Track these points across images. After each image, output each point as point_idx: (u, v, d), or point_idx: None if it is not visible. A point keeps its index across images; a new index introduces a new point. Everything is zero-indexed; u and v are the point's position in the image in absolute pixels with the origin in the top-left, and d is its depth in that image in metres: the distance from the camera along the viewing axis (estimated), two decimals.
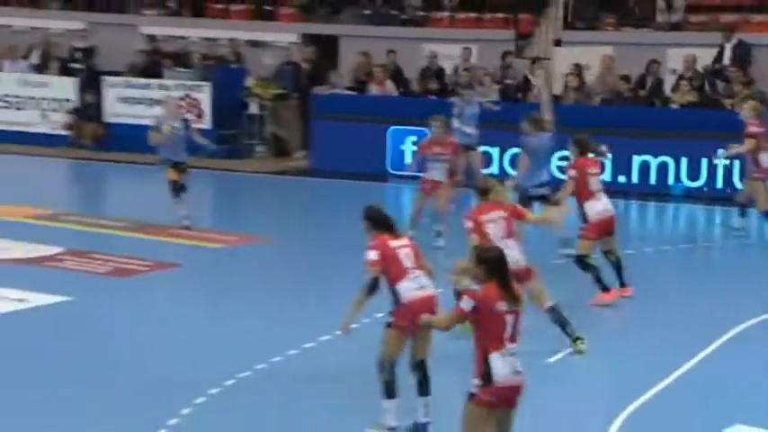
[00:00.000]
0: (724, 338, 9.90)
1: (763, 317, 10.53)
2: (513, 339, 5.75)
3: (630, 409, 8.18)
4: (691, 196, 16.26)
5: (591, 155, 11.12)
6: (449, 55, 20.18)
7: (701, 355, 9.56)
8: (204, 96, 20.27)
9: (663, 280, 12.44)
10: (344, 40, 21.66)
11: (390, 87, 19.25)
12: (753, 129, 13.50)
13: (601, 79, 18.58)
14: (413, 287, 6.83)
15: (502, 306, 5.66)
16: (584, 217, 10.53)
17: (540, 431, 7.56)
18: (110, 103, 21.07)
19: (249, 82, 20.77)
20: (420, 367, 6.98)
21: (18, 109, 21.85)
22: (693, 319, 10.62)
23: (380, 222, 7.08)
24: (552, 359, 9.26)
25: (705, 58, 18.19)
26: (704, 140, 15.51)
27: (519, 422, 6.33)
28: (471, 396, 5.65)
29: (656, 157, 17.00)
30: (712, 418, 8.02)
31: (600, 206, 10.46)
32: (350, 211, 10.29)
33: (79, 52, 22.26)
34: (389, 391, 6.86)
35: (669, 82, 18.37)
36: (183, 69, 21.66)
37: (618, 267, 10.72)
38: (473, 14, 21.92)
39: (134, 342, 9.80)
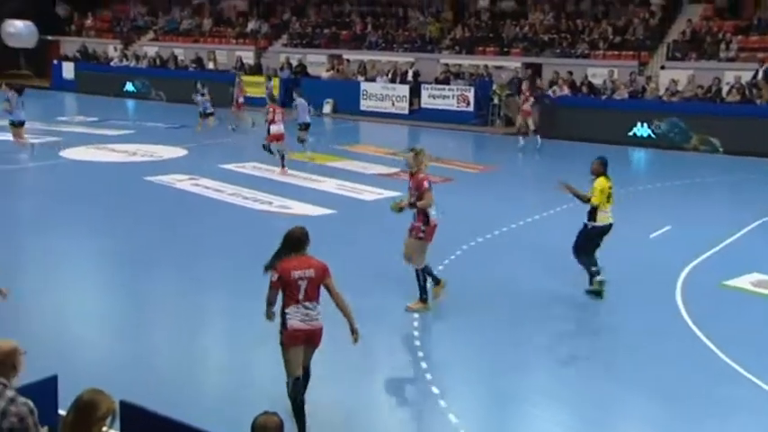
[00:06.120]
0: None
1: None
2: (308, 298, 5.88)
3: (695, 261, 11.07)
4: None
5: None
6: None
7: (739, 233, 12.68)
8: (470, 94, 26.77)
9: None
10: (545, 66, 27.65)
11: (566, 90, 24.71)
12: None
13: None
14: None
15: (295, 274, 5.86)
16: None
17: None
18: (424, 98, 28.15)
19: (494, 86, 26.66)
20: None
21: (380, 100, 28.74)
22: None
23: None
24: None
25: None
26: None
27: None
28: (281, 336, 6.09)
29: None
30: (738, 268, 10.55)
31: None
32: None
33: (411, 73, 28.75)
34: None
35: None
36: (461, 80, 27.74)
37: None
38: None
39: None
